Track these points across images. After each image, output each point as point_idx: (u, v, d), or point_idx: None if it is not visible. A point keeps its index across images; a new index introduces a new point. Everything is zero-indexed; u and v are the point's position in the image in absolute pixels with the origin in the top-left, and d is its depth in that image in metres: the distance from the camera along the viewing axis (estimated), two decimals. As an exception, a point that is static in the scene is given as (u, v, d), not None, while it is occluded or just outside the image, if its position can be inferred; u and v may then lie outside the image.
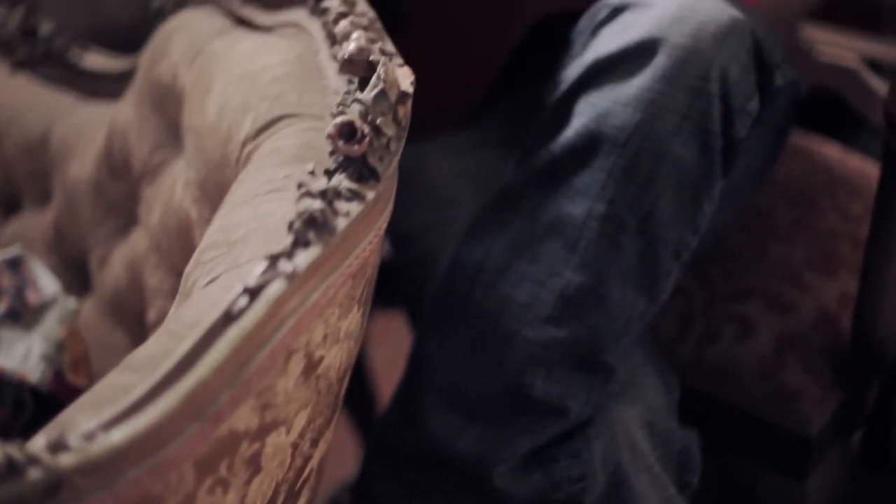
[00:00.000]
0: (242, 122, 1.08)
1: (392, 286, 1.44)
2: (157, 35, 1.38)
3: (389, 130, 0.91)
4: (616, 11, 1.20)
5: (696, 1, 1.16)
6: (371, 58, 0.97)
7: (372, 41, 1.00)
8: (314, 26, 1.15)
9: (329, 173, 0.89)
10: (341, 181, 0.88)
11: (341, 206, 0.86)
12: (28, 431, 0.99)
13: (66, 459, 0.69)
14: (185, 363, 0.76)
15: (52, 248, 1.47)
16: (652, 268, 1.16)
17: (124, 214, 1.37)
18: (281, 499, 0.92)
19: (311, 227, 0.83)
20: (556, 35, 1.33)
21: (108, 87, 1.49)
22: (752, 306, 1.40)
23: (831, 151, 1.64)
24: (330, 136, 0.90)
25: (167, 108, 1.29)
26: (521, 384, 1.16)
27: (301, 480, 0.95)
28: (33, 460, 0.68)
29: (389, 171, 0.91)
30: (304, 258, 0.81)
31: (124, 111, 1.39)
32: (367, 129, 0.89)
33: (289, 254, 0.81)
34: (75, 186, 1.43)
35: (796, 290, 1.41)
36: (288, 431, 0.88)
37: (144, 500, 0.73)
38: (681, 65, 1.13)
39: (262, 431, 0.84)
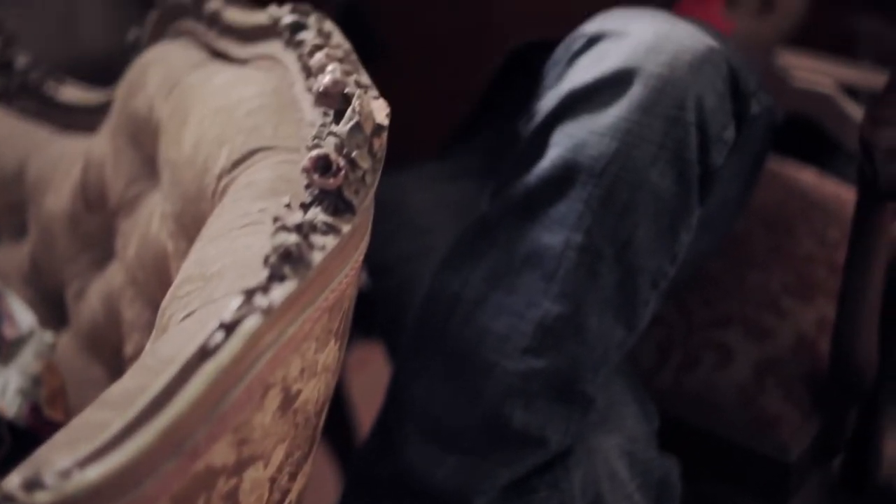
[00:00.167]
0: (218, 156, 1.08)
1: (370, 316, 1.44)
2: (132, 68, 1.38)
3: (365, 163, 0.91)
4: (591, 41, 1.20)
5: (671, 30, 1.17)
6: (346, 90, 0.97)
7: (347, 73, 1.00)
8: (289, 58, 1.15)
9: (305, 207, 0.89)
10: (317, 215, 0.88)
11: (317, 239, 0.85)
12: (5, 466, 0.99)
13: (41, 498, 0.68)
14: (161, 399, 0.75)
15: (28, 281, 1.46)
16: (630, 297, 1.16)
17: (100, 248, 1.36)
18: (260, 533, 0.91)
19: (286, 262, 0.82)
20: (533, 65, 1.33)
21: (83, 119, 1.49)
22: (730, 333, 1.40)
23: (807, 177, 1.65)
24: (305, 170, 0.90)
25: (143, 141, 1.29)
26: (500, 415, 1.16)
27: (280, 514, 0.95)
28: (9, 499, 0.67)
29: (365, 203, 0.91)
30: (279, 293, 0.81)
31: (100, 144, 1.38)
32: (342, 163, 0.89)
33: (264, 288, 0.81)
34: (51, 220, 1.42)
35: (774, 316, 1.42)
36: (265, 466, 0.88)
37: (121, 537, 0.73)
38: (657, 94, 1.13)
39: (240, 467, 0.83)
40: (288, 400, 0.87)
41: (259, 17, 1.23)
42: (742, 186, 1.40)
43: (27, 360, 1.28)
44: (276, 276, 0.82)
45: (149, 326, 1.17)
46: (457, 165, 1.48)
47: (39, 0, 2.27)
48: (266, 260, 0.82)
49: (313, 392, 0.91)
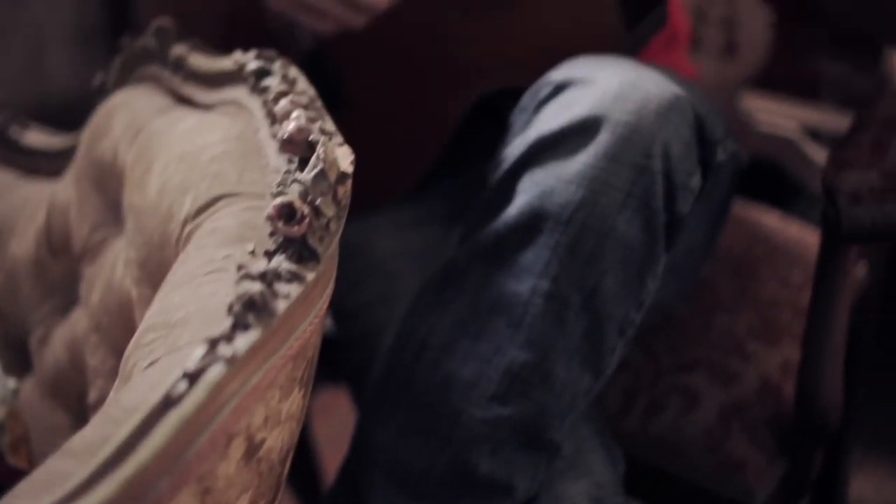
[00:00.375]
0: (183, 202, 1.08)
1: (336, 361, 1.44)
2: (97, 112, 1.38)
3: (329, 211, 0.91)
4: (558, 89, 1.20)
5: (637, 78, 1.17)
6: (311, 137, 0.97)
7: (312, 120, 1.00)
8: (254, 105, 1.15)
9: (269, 254, 0.89)
10: (281, 262, 0.87)
11: (281, 287, 0.85)
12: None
13: (3, 549, 0.68)
14: (125, 449, 0.75)
15: (-9, 327, 1.46)
16: (597, 344, 1.16)
17: (65, 293, 1.36)
18: (224, 583, 0.91)
19: (250, 310, 0.82)
20: (500, 111, 1.33)
21: (48, 164, 1.49)
22: (696, 377, 1.40)
23: (771, 220, 1.66)
24: (269, 218, 0.90)
25: (108, 186, 1.29)
26: (467, 462, 1.15)
27: (244, 564, 0.94)
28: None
29: (329, 251, 0.91)
30: (243, 341, 0.80)
31: (65, 189, 1.38)
32: (306, 210, 0.89)
33: (228, 337, 0.80)
34: (15, 265, 1.42)
35: (739, 359, 1.42)
36: (230, 515, 0.87)
37: (83, 590, 0.72)
38: (623, 142, 1.14)
39: (204, 517, 0.83)
40: (252, 449, 0.86)
41: (224, 63, 1.23)
42: (708, 233, 1.40)
43: (-10, 407, 1.28)
44: (240, 325, 0.81)
45: (113, 373, 1.16)
46: (423, 211, 1.48)
47: (4, 44, 2.27)
48: (230, 308, 0.82)
49: (277, 440, 0.91)
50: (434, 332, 1.19)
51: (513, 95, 1.29)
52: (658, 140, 1.14)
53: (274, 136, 1.07)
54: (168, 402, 0.77)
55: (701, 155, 1.19)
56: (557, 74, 1.22)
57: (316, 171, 0.91)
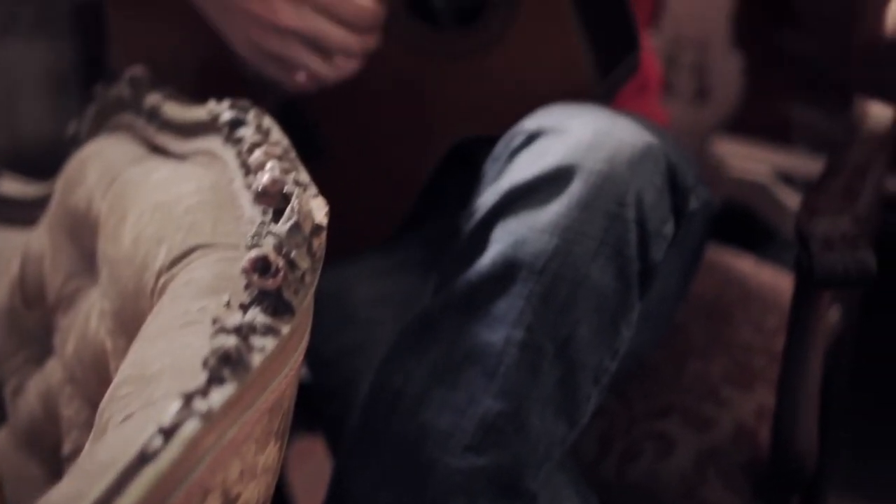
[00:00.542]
0: (157, 253, 1.08)
1: (312, 409, 1.44)
2: (71, 161, 1.38)
3: (304, 263, 0.91)
4: (531, 138, 1.21)
5: (610, 127, 1.18)
6: (285, 189, 0.97)
7: (286, 171, 1.00)
8: (228, 155, 1.15)
9: (244, 307, 0.89)
10: (256, 316, 0.87)
11: (256, 341, 0.85)
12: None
13: None
14: (100, 505, 0.75)
15: (-35, 377, 1.45)
16: (572, 393, 1.16)
17: (39, 344, 1.35)
18: None
19: (225, 364, 0.82)
20: (473, 158, 1.34)
21: (22, 213, 1.48)
22: (671, 423, 1.40)
23: (744, 265, 1.66)
24: (244, 271, 0.90)
25: (82, 236, 1.28)
26: (443, 512, 1.15)
27: None
28: None
29: (304, 304, 0.91)
30: (219, 396, 0.80)
31: (38, 238, 1.38)
32: (281, 263, 0.89)
33: (203, 392, 0.80)
34: (-11, 315, 1.41)
35: (714, 405, 1.42)
36: (205, 570, 0.87)
37: None
38: (596, 191, 1.14)
39: (179, 572, 0.82)
40: (228, 503, 0.86)
41: (198, 113, 1.23)
42: (681, 279, 1.41)
43: (-37, 459, 1.27)
44: (215, 380, 0.81)
45: (87, 424, 1.15)
46: (399, 259, 1.48)
47: (-23, 92, 2.27)
48: (205, 362, 0.82)
49: (253, 493, 0.91)
50: (410, 382, 1.19)
51: (486, 143, 1.29)
52: (631, 188, 1.15)
53: (248, 186, 1.07)
54: (143, 458, 0.76)
55: (674, 203, 1.20)
56: (530, 123, 1.23)
57: (290, 223, 0.91)
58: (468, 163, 1.39)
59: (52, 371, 1.30)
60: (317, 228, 0.93)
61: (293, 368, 0.91)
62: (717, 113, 1.92)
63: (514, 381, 1.15)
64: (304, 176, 1.01)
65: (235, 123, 1.15)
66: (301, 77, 1.34)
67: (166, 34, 1.52)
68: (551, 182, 1.16)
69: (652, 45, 1.78)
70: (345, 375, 1.38)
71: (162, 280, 1.05)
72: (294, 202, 0.93)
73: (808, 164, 2.12)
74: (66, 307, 1.30)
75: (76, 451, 1.18)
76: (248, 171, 1.08)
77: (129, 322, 1.11)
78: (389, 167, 1.45)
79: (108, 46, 1.65)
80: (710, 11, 1.88)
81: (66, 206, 1.32)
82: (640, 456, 1.39)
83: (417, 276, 1.43)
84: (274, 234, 0.91)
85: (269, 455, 0.92)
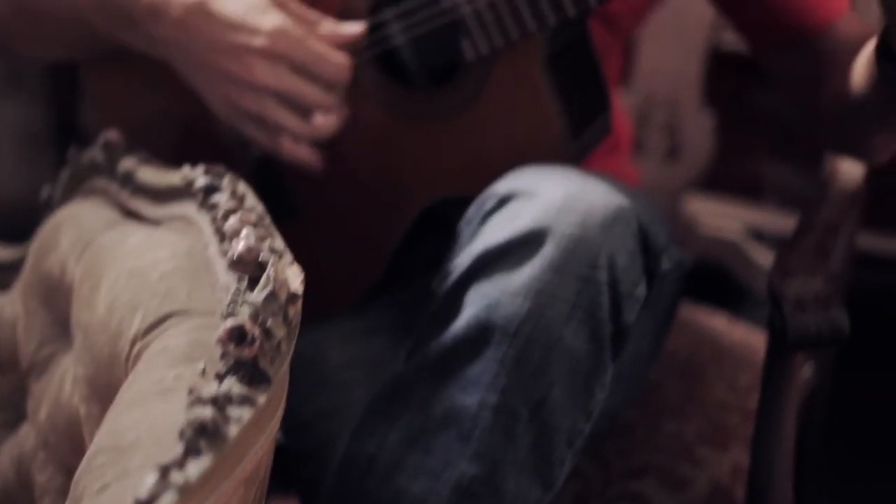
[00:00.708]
0: (132, 320, 1.08)
1: (287, 472, 1.43)
2: (45, 226, 1.38)
3: (280, 332, 0.91)
4: (503, 201, 1.21)
5: (581, 189, 1.18)
6: (260, 257, 0.98)
7: (261, 238, 1.00)
8: (203, 221, 1.15)
9: (220, 377, 0.89)
10: (232, 385, 0.87)
11: (233, 411, 0.85)
12: None
13: None
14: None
15: (-62, 442, 1.44)
16: (546, 456, 1.16)
17: (12, 409, 1.34)
18: None
19: (202, 436, 0.82)
20: (446, 220, 1.34)
21: (-5, 277, 1.48)
22: (646, 483, 1.40)
23: (717, 322, 1.67)
24: (220, 341, 0.90)
25: (56, 301, 1.28)
26: (418, 577, 1.15)
27: None
28: None
29: (280, 372, 0.91)
30: (195, 468, 0.80)
31: (12, 303, 1.37)
32: (257, 332, 0.89)
33: (180, 463, 0.80)
34: (-38, 380, 1.41)
35: (689, 464, 1.42)
36: None
37: None
38: (568, 254, 1.14)
39: None
40: (204, 573, 0.86)
41: (172, 178, 1.23)
42: (654, 339, 1.41)
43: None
44: (191, 451, 0.81)
45: (61, 491, 1.15)
46: (372, 321, 1.48)
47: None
48: (181, 434, 0.82)
49: (230, 562, 0.90)
50: (383, 447, 1.18)
51: (458, 204, 1.30)
52: (603, 251, 1.15)
53: (224, 253, 1.07)
54: (120, 531, 0.76)
55: (646, 265, 1.20)
56: (502, 186, 1.23)
57: (266, 292, 0.92)
58: (439, 224, 1.39)
59: (26, 436, 1.30)
60: (292, 297, 0.93)
61: (269, 437, 0.91)
62: (689, 171, 1.93)
63: (488, 445, 1.15)
64: (280, 243, 1.02)
65: (210, 189, 1.16)
66: (278, 138, 1.34)
67: (142, 94, 1.52)
68: (524, 245, 1.16)
69: (622, 104, 1.80)
70: (320, 438, 1.38)
71: (137, 347, 1.05)
72: (270, 270, 0.93)
73: (780, 221, 2.14)
74: (39, 372, 1.29)
75: (50, 519, 1.17)
76: (224, 237, 1.08)
77: (103, 389, 1.10)
78: (362, 228, 1.45)
79: (82, 106, 1.65)
80: (680, 70, 1.90)
81: (40, 271, 1.32)
82: (615, 516, 1.39)
83: (390, 339, 1.43)
84: (250, 303, 0.92)
85: (245, 524, 0.92)
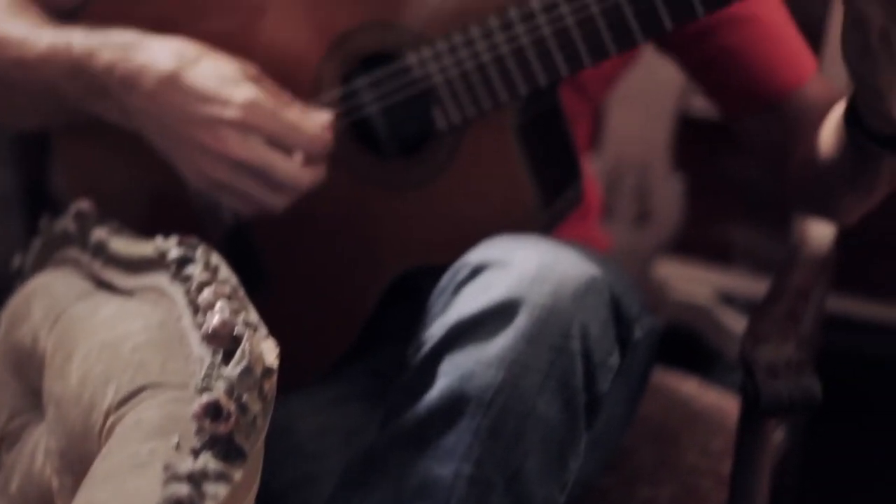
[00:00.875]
0: (105, 392, 1.07)
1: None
2: (16, 296, 1.37)
3: (255, 406, 0.91)
4: (476, 271, 1.21)
5: (554, 259, 1.19)
6: (235, 331, 0.97)
7: (235, 312, 1.00)
8: (176, 292, 1.15)
9: (195, 452, 0.89)
10: (207, 461, 0.87)
11: (209, 488, 0.85)
12: None
13: None
14: None
15: None
16: (522, 528, 1.16)
17: (-17, 482, 1.34)
18: None
19: (178, 513, 0.82)
20: (417, 289, 1.34)
21: (-35, 346, 1.47)
22: (620, 551, 1.40)
23: (689, 387, 1.67)
24: (195, 416, 0.89)
25: (27, 372, 1.28)
26: None
27: None
28: None
29: (256, 447, 0.91)
30: (171, 546, 0.80)
31: (-18, 373, 1.37)
32: (232, 408, 0.89)
33: (157, 541, 0.80)
34: (-67, 451, 1.40)
35: (663, 530, 1.43)
36: None
37: None
38: (541, 324, 1.15)
39: None
40: None
41: (145, 249, 1.23)
42: (627, 406, 1.41)
43: None
44: (168, 529, 0.81)
45: (34, 565, 1.14)
46: (345, 389, 1.48)
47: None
48: (157, 512, 0.82)
49: None
50: (357, 520, 1.18)
51: (430, 273, 1.30)
52: (576, 321, 1.16)
53: (198, 326, 1.07)
54: None
55: (618, 333, 1.21)
56: (475, 256, 1.24)
57: (241, 367, 0.92)
58: (411, 293, 1.39)
59: (-3, 509, 1.29)
60: (268, 371, 0.93)
61: (245, 511, 0.91)
62: (659, 235, 1.94)
63: (464, 516, 1.15)
64: (254, 316, 1.02)
65: (183, 261, 1.16)
66: (251, 207, 1.34)
67: (112, 161, 1.52)
68: (497, 316, 1.16)
69: (592, 169, 1.81)
70: (293, 509, 1.37)
71: (110, 420, 1.05)
72: (245, 344, 0.93)
73: (750, 285, 2.15)
74: (10, 444, 1.29)
75: None
76: (197, 309, 1.08)
77: (76, 461, 1.10)
78: (334, 297, 1.45)
79: (52, 171, 1.65)
80: (650, 135, 1.91)
81: (11, 341, 1.32)
82: (590, 584, 1.39)
83: (362, 408, 1.43)
84: (225, 378, 0.92)
85: None
